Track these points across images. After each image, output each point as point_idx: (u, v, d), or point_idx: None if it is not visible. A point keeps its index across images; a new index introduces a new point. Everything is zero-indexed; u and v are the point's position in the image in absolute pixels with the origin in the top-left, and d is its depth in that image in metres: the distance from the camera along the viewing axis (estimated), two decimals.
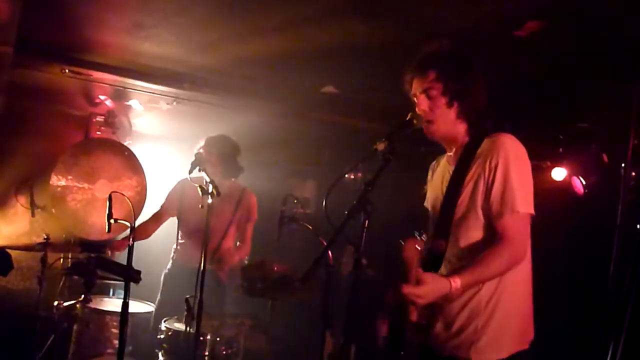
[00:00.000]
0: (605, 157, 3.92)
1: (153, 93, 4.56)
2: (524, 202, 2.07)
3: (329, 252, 2.66)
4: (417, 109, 2.26)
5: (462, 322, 2.14)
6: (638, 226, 1.15)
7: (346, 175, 4.74)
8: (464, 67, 2.25)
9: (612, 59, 3.06)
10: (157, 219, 4.24)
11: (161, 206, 4.26)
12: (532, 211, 2.10)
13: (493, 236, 2.10)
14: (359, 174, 5.21)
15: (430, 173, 2.52)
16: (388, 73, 2.57)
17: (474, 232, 2.15)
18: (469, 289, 2.07)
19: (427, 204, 2.47)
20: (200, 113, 4.98)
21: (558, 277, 3.95)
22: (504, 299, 2.13)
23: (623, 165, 3.75)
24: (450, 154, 2.33)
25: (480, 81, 2.26)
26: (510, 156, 2.09)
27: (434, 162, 2.52)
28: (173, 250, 4.24)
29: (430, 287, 1.98)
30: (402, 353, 2.31)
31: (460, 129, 2.25)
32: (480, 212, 2.13)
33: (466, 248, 2.16)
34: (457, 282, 2.00)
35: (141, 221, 4.11)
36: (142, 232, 4.11)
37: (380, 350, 2.62)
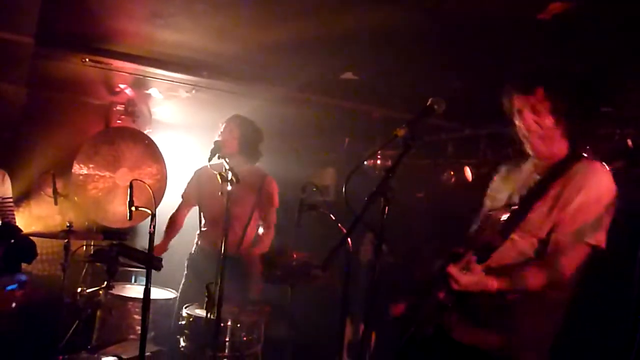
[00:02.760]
0: (630, 143, 3.84)
1: (172, 81, 4.58)
2: (594, 234, 2.06)
3: (349, 239, 2.65)
4: (519, 127, 2.21)
5: (486, 318, 2.15)
6: None
7: (365, 162, 4.73)
8: (572, 85, 2.18)
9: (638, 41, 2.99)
10: (180, 210, 4.34)
11: (182, 196, 4.33)
12: (595, 243, 2.09)
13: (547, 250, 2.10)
14: (379, 161, 5.19)
15: (501, 173, 2.48)
16: (408, 59, 2.54)
17: (534, 241, 2.15)
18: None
19: (493, 202, 2.42)
20: (219, 101, 4.99)
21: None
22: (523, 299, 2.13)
23: None
24: (537, 161, 2.29)
25: (591, 100, 2.20)
26: (599, 184, 2.08)
27: (503, 168, 2.49)
28: (197, 235, 4.29)
29: (475, 279, 2.01)
30: (412, 329, 2.30)
31: (561, 147, 2.20)
32: (547, 227, 2.11)
33: (522, 252, 2.16)
34: (494, 284, 2.04)
35: (165, 214, 4.17)
36: (172, 226, 4.27)
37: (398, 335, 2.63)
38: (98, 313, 3.77)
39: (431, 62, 2.33)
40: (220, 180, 3.25)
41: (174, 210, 4.36)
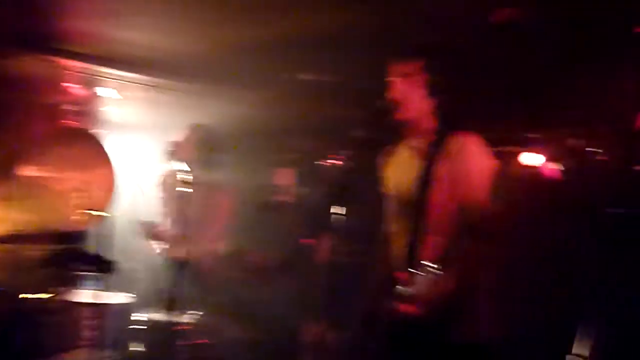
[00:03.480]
0: (577, 142, 3.99)
1: (129, 81, 4.50)
2: (489, 199, 2.14)
3: (307, 239, 2.67)
4: (392, 92, 2.28)
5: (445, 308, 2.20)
6: (607, 209, 1.18)
7: (324, 163, 4.74)
8: (452, 64, 2.28)
9: (588, 42, 3.10)
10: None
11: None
12: (500, 209, 2.18)
13: (459, 233, 2.16)
14: (339, 161, 5.21)
15: (386, 158, 2.53)
16: (368, 60, 2.57)
17: (444, 228, 2.20)
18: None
19: (389, 191, 2.48)
20: (176, 102, 4.92)
21: (532, 258, 4.02)
22: (482, 286, 2.19)
23: (594, 150, 3.83)
24: (416, 145, 2.35)
25: (465, 80, 2.29)
26: (477, 156, 2.17)
27: (390, 147, 2.53)
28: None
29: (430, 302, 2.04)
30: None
31: (430, 123, 2.28)
32: (449, 210, 2.18)
33: (437, 243, 2.20)
34: (452, 285, 2.08)
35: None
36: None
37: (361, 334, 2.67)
38: (49, 319, 3.68)
39: (388, 63, 2.37)
40: (177, 184, 3.22)
41: (131, 216, 4.28)
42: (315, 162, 2.35)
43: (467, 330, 2.18)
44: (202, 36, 3.58)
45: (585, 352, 1.09)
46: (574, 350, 1.11)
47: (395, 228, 2.41)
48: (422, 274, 2.02)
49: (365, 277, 2.60)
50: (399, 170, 2.44)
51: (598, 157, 3.83)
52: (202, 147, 3.99)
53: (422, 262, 2.11)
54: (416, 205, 2.25)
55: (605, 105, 3.58)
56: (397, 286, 2.09)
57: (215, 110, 4.52)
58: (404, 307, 2.05)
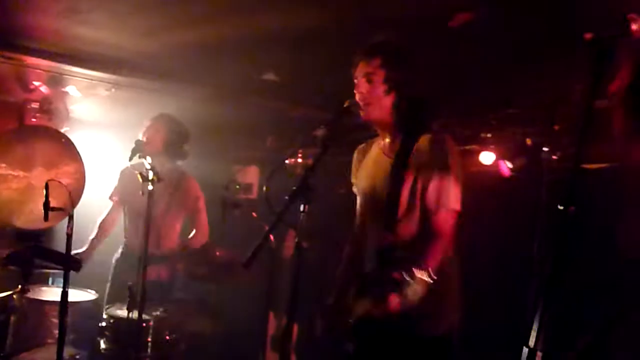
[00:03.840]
0: (529, 142, 4.07)
1: (91, 79, 4.38)
2: (454, 199, 2.18)
3: (271, 237, 2.65)
4: (356, 91, 2.28)
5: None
6: (559, 206, 1.20)
7: (287, 161, 4.72)
8: (407, 60, 2.30)
9: (538, 50, 3.16)
10: (112, 213, 4.14)
11: (111, 199, 4.16)
12: (459, 208, 2.21)
13: (426, 229, 2.18)
14: (300, 160, 5.20)
15: (357, 155, 2.53)
16: (328, 61, 2.57)
17: (412, 225, 2.21)
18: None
19: (359, 190, 2.48)
20: (141, 99, 4.82)
21: (488, 253, 4.09)
22: (445, 281, 2.20)
23: (546, 149, 3.91)
24: (384, 142, 2.36)
25: (420, 75, 2.30)
26: (448, 158, 2.18)
27: (362, 145, 2.53)
28: (124, 240, 4.13)
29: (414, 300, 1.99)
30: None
31: (394, 118, 2.28)
32: (418, 206, 2.20)
33: (406, 240, 2.22)
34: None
35: (84, 214, 3.99)
36: (104, 229, 4.07)
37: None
38: (12, 318, 3.55)
39: (349, 64, 2.38)
40: (141, 180, 3.15)
41: (98, 213, 4.18)
42: (280, 160, 2.32)
43: (431, 324, 2.21)
44: (165, 36, 3.51)
45: (540, 344, 1.10)
46: (531, 343, 1.12)
47: (365, 224, 2.40)
48: (405, 277, 2.01)
49: (330, 272, 2.59)
50: (368, 168, 2.44)
51: (548, 156, 3.92)
52: (170, 135, 3.91)
53: (401, 262, 2.11)
54: (386, 202, 2.25)
55: (556, 106, 3.65)
56: (378, 285, 2.08)
57: (177, 108, 4.43)
58: (386, 306, 2.04)
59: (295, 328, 4.26)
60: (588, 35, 1.35)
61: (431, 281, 1.96)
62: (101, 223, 4.10)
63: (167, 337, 3.49)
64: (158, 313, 3.47)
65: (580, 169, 1.33)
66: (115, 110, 5.47)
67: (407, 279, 1.94)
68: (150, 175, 3.12)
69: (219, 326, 4.00)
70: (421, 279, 1.96)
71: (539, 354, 1.10)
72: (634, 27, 1.33)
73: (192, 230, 4.07)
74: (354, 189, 2.53)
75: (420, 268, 2.00)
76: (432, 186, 2.18)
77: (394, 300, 1.97)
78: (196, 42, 3.56)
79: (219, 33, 3.38)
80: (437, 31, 3.01)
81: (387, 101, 2.27)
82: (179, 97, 4.59)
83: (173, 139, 3.94)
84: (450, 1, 2.74)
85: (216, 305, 3.71)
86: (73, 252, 2.97)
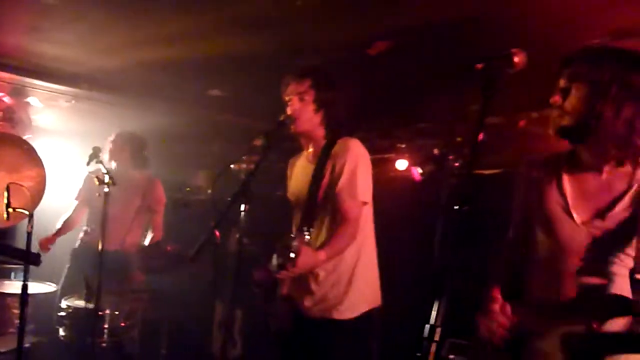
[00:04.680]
0: (436, 151, 4.20)
1: (52, 91, 4.17)
2: (362, 192, 2.20)
3: (216, 233, 2.61)
4: (288, 109, 2.29)
5: (325, 291, 2.22)
6: (455, 207, 1.24)
7: (232, 166, 4.66)
8: (333, 82, 2.32)
9: (445, 73, 3.28)
10: (77, 212, 3.99)
11: (76, 199, 4.00)
12: (368, 200, 2.24)
13: (340, 217, 2.19)
14: (244, 165, 5.15)
15: (290, 168, 2.54)
16: (266, 78, 2.57)
17: (333, 218, 2.23)
18: (329, 261, 2.15)
19: (290, 195, 2.49)
20: (100, 111, 4.64)
21: (402, 248, 4.19)
22: (359, 271, 2.23)
23: (450, 157, 4.05)
24: (308, 152, 2.38)
25: (344, 95, 2.34)
26: (355, 156, 2.21)
27: (293, 158, 2.55)
28: (82, 232, 3.97)
29: (304, 258, 2.03)
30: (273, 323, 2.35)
31: (320, 131, 2.32)
32: (333, 199, 2.21)
33: (328, 231, 2.23)
34: (323, 255, 2.10)
35: (45, 215, 3.81)
36: (68, 225, 3.93)
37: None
38: None
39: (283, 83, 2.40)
40: (98, 183, 3.05)
41: (58, 214, 4.01)
42: (225, 165, 2.29)
43: (345, 308, 2.21)
44: (122, 54, 3.39)
45: (438, 322, 1.14)
46: (432, 321, 1.16)
47: (294, 222, 2.41)
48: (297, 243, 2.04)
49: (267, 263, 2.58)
50: (297, 173, 2.44)
51: (452, 163, 4.07)
52: (132, 147, 3.83)
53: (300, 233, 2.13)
54: (307, 197, 2.27)
55: (456, 121, 3.79)
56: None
57: (134, 119, 4.30)
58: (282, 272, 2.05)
59: (239, 314, 4.23)
60: (479, 66, 1.41)
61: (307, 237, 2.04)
62: (66, 220, 3.96)
63: (122, 324, 3.36)
64: (114, 302, 3.34)
65: (474, 174, 1.38)
66: (75, 121, 5.23)
67: (291, 237, 2.03)
68: (107, 179, 3.02)
69: (170, 313, 3.90)
70: (301, 237, 2.03)
71: (438, 329, 1.14)
72: (516, 59, 1.40)
73: (150, 228, 3.99)
74: (289, 195, 2.53)
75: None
76: (342, 180, 2.19)
77: (290, 265, 2.00)
78: (151, 60, 3.46)
79: (172, 53, 3.31)
80: (358, 57, 3.06)
81: (317, 118, 2.29)
82: (136, 110, 4.46)
83: (135, 150, 3.88)
84: (369, 31, 2.79)
85: (168, 294, 3.62)
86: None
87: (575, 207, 1.61)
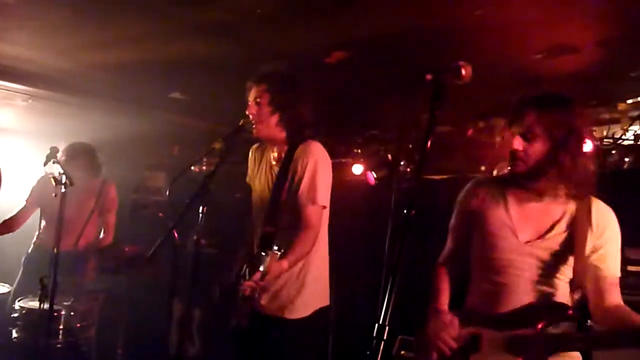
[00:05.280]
0: (389, 157, 4.26)
1: (8, 90, 3.97)
2: (322, 197, 2.19)
3: (175, 233, 2.54)
4: (247, 112, 2.26)
5: (278, 288, 2.20)
6: (404, 211, 1.25)
7: (192, 168, 4.58)
8: (290, 86, 2.30)
9: (397, 83, 3.32)
10: (22, 213, 3.77)
11: (25, 201, 3.79)
12: (327, 204, 2.23)
13: (300, 222, 2.18)
14: (204, 167, 5.06)
15: (252, 154, 2.49)
16: (226, 83, 2.54)
17: (293, 219, 2.21)
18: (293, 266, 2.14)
19: (251, 185, 2.45)
20: (56, 110, 4.45)
21: (357, 249, 4.22)
22: (311, 272, 2.23)
23: (402, 163, 4.12)
24: (275, 154, 2.36)
25: (302, 99, 2.32)
26: (315, 160, 2.20)
27: (255, 146, 2.50)
28: (35, 236, 3.79)
29: (271, 273, 2.03)
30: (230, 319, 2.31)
31: (280, 134, 2.30)
32: (296, 202, 2.20)
33: (288, 231, 2.21)
34: (285, 264, 2.08)
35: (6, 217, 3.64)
36: (8, 225, 3.70)
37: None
38: None
39: (243, 86, 2.37)
40: (54, 183, 2.92)
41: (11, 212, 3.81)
42: (184, 167, 2.24)
43: (297, 308, 2.21)
44: (81, 55, 3.27)
45: (387, 321, 1.14)
46: (380, 321, 1.16)
47: (256, 223, 2.37)
48: (263, 254, 2.02)
49: (225, 264, 2.53)
50: (261, 176, 2.41)
51: (403, 168, 4.13)
52: (80, 161, 3.69)
53: (265, 246, 2.11)
54: (269, 201, 2.25)
55: (408, 128, 3.85)
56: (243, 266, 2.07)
57: (93, 120, 4.15)
58: (245, 284, 2.03)
59: (197, 313, 4.14)
60: (429, 77, 1.43)
61: (278, 254, 2.03)
62: (6, 220, 3.74)
63: (78, 325, 3.23)
64: (69, 303, 3.20)
65: (424, 179, 1.39)
66: (32, 120, 5.01)
67: (262, 254, 2.01)
68: (63, 179, 2.89)
69: (127, 313, 3.78)
70: (272, 255, 2.00)
71: (387, 328, 1.14)
72: (463, 72, 1.43)
73: (102, 230, 3.86)
74: (248, 181, 2.48)
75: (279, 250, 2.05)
76: (303, 185, 2.18)
77: (256, 275, 2.00)
78: (111, 62, 3.35)
79: (132, 55, 3.22)
80: (316, 65, 3.07)
81: (273, 120, 2.26)
82: (94, 110, 4.30)
83: (87, 161, 3.75)
84: (326, 41, 2.80)
85: (125, 294, 3.51)
86: None
87: (520, 228, 1.74)
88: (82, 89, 3.94)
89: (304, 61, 2.97)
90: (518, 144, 1.67)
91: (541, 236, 1.71)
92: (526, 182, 1.73)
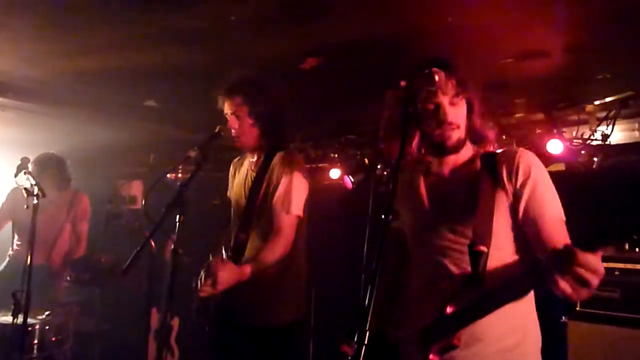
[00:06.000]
0: (366, 161, 4.28)
1: None
2: (296, 206, 2.18)
3: (152, 243, 2.51)
4: (228, 126, 2.24)
5: (254, 298, 2.18)
6: (382, 216, 1.26)
7: (167, 176, 4.52)
8: (266, 95, 2.28)
9: (372, 88, 3.34)
10: None
11: None
12: (301, 214, 2.22)
13: (273, 229, 2.17)
14: (180, 175, 5.00)
15: (232, 168, 2.51)
16: (201, 91, 2.51)
17: (267, 227, 2.21)
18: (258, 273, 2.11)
19: (231, 198, 2.45)
20: (28, 121, 4.33)
21: (336, 253, 4.22)
22: (287, 281, 2.22)
23: (379, 166, 4.13)
24: (253, 160, 2.35)
25: (279, 105, 2.31)
26: (291, 170, 2.20)
27: (236, 159, 2.51)
28: (8, 254, 3.70)
29: (225, 273, 1.99)
30: (207, 329, 2.28)
31: (261, 142, 2.29)
32: (269, 210, 2.20)
33: (262, 239, 2.20)
34: (247, 269, 2.06)
35: None
36: None
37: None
38: None
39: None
40: (26, 195, 2.84)
41: None
42: (160, 175, 2.21)
43: (271, 316, 2.20)
44: (51, 63, 3.20)
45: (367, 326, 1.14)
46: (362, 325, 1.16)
47: (232, 229, 2.35)
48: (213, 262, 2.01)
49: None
50: (239, 182, 2.40)
51: (380, 172, 4.15)
52: (49, 173, 3.61)
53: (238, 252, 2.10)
54: (244, 208, 2.23)
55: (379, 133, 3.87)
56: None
57: (65, 129, 4.05)
58: (203, 289, 2.00)
59: (177, 320, 4.08)
60: (403, 83, 1.44)
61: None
62: None
63: (53, 339, 3.15)
64: (43, 317, 3.11)
65: (391, 183, 1.39)
66: (1, 130, 4.87)
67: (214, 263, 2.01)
68: (35, 190, 2.82)
69: (103, 324, 3.70)
70: (220, 257, 2.02)
71: (367, 333, 1.14)
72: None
73: (75, 241, 3.78)
74: (228, 195, 2.48)
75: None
76: (278, 194, 2.18)
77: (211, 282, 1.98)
78: (82, 70, 3.28)
79: (105, 63, 3.16)
80: (292, 71, 3.06)
81: (255, 131, 2.26)
82: (67, 119, 4.21)
83: (56, 173, 3.71)
84: (300, 47, 2.80)
85: (101, 305, 3.43)
86: None
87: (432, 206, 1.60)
88: (54, 98, 3.85)
89: (279, 68, 2.97)
90: None
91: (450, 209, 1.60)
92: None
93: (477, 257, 1.42)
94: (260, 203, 2.21)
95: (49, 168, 3.63)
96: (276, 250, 2.13)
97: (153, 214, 1.99)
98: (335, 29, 2.57)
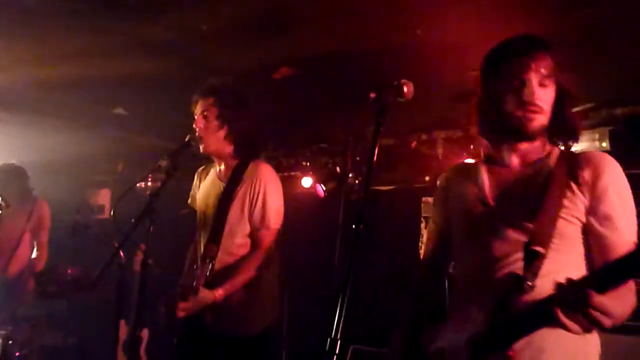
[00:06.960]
0: (338, 169, 4.31)
1: None
2: (275, 220, 2.19)
3: (121, 253, 2.45)
4: (194, 126, 2.23)
5: (226, 308, 2.15)
6: (353, 226, 1.27)
7: (137, 185, 4.44)
8: (238, 100, 2.28)
9: (343, 98, 3.37)
10: None
11: None
12: (279, 226, 2.23)
13: (252, 243, 2.18)
14: (150, 184, 4.91)
15: (197, 178, 2.47)
16: (171, 99, 2.49)
17: (240, 240, 2.19)
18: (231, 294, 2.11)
19: (198, 208, 2.41)
20: None
21: (308, 261, 4.21)
22: (261, 290, 2.20)
23: (350, 175, 4.17)
24: (221, 168, 2.33)
25: (249, 113, 2.31)
26: (266, 183, 2.19)
27: (201, 169, 2.48)
28: None
29: (198, 303, 2.03)
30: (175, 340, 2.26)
31: (228, 149, 2.27)
32: (246, 224, 2.19)
33: (233, 252, 2.19)
34: (220, 293, 2.07)
35: None
36: None
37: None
38: None
39: (189, 102, 2.33)
40: None
41: None
42: (130, 184, 2.17)
43: (245, 327, 2.18)
44: (20, 71, 3.12)
45: (339, 335, 1.14)
46: (332, 335, 1.16)
47: (199, 239, 2.33)
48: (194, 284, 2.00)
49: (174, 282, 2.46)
50: (204, 190, 2.37)
51: (352, 180, 4.18)
52: (11, 184, 3.50)
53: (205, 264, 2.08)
54: (214, 219, 2.21)
55: (355, 143, 3.92)
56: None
57: (33, 137, 3.94)
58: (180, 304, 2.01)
59: (147, 332, 3.98)
60: (373, 94, 1.46)
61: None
62: None
63: (17, 353, 3.04)
64: (6, 331, 3.00)
65: (371, 191, 1.41)
66: None
67: (194, 284, 2.03)
68: None
69: (71, 337, 3.59)
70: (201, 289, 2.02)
71: (339, 341, 1.14)
72: (405, 89, 1.47)
73: (35, 250, 3.67)
74: (190, 203, 2.45)
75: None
76: (256, 210, 2.17)
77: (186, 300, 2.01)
78: (50, 79, 3.21)
79: (72, 71, 3.10)
80: (264, 81, 3.07)
81: (221, 134, 2.24)
82: (34, 128, 4.09)
83: (18, 184, 3.63)
84: (272, 57, 2.81)
85: (66, 319, 3.32)
86: None
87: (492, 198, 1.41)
88: (20, 106, 3.75)
89: (251, 77, 2.97)
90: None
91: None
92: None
93: (532, 258, 1.27)
94: (233, 215, 2.19)
95: (10, 178, 3.52)
96: (252, 267, 2.13)
97: (122, 224, 1.95)
98: (307, 41, 2.59)
